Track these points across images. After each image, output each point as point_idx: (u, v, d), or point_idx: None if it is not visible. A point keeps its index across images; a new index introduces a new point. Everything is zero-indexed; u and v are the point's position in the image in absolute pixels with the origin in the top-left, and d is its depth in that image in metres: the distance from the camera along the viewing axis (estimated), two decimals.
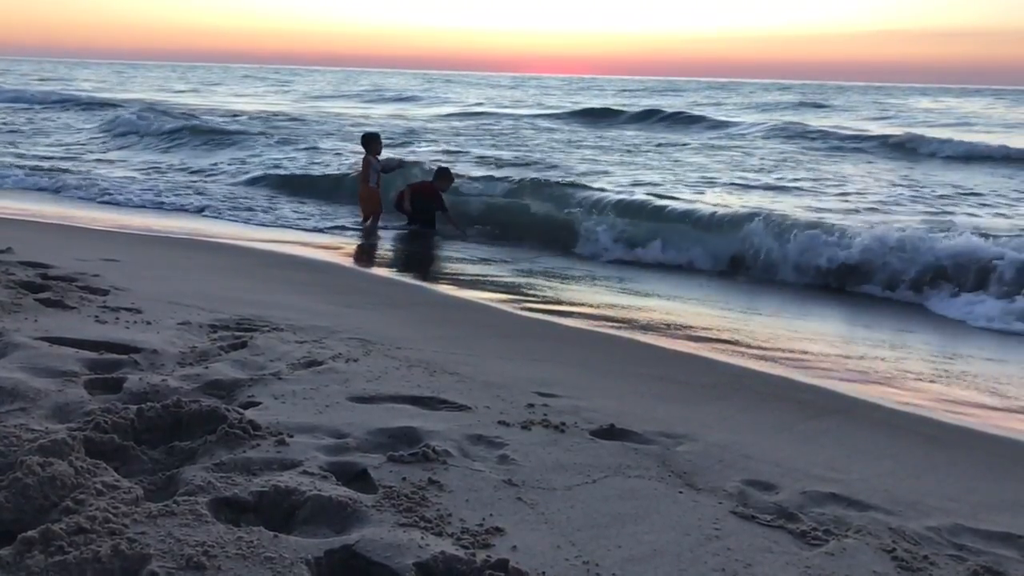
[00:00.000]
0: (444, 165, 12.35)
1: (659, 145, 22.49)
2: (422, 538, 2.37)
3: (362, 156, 11.42)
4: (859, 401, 4.56)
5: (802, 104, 43.38)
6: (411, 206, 10.90)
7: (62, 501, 2.37)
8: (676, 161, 19.02)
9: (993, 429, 4.28)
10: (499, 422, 3.44)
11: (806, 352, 5.74)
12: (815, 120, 31.39)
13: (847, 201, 13.57)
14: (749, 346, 5.80)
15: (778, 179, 16.01)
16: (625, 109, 33.84)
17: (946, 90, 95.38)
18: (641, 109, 33.56)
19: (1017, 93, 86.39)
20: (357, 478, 2.80)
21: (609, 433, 3.47)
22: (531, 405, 3.72)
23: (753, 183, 15.34)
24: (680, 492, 2.93)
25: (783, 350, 5.76)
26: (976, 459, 3.71)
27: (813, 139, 24.14)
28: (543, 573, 2.30)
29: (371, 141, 11.34)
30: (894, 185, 15.78)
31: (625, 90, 68.47)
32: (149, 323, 4.59)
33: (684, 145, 22.71)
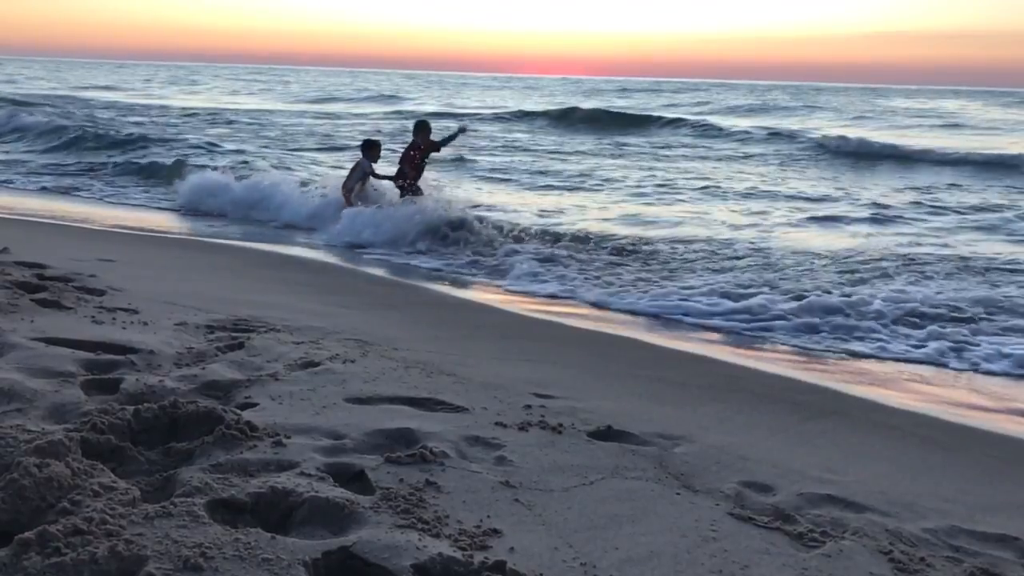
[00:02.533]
0: (421, 119, 12.20)
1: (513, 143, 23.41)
2: (419, 539, 2.37)
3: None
4: (855, 402, 4.57)
5: (769, 105, 42.93)
6: (408, 176, 10.58)
7: (59, 502, 2.37)
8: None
9: (989, 430, 4.29)
10: (496, 423, 3.44)
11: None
12: (766, 121, 31.43)
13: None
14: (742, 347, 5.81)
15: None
16: (548, 109, 33.98)
17: (938, 91, 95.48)
18: (561, 109, 33.40)
19: (1010, 95, 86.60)
20: (354, 479, 2.79)
21: (606, 434, 3.47)
22: (528, 406, 3.72)
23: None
24: (677, 493, 2.94)
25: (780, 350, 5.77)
26: (972, 460, 3.72)
27: (713, 137, 25.36)
28: (540, 575, 2.30)
29: (367, 148, 11.23)
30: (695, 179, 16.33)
31: (612, 90, 68.49)
32: (146, 324, 4.58)
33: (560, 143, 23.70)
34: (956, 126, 31.57)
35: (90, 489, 2.43)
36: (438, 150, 10.80)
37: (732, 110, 39.33)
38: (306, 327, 4.94)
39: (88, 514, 2.27)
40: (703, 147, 23.25)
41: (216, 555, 2.18)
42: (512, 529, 2.54)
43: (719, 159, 20.52)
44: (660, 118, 29.86)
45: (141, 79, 65.33)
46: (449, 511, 2.60)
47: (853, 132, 24.79)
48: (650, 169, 18.04)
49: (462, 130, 10.92)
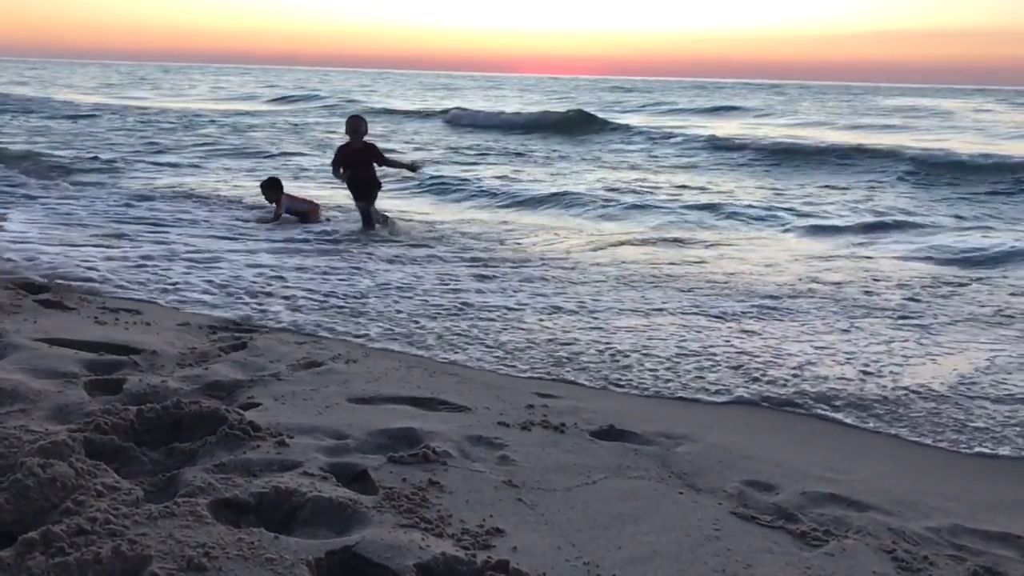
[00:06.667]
0: (353, 113, 10.56)
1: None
2: (422, 539, 2.37)
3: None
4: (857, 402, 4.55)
5: (718, 106, 40.95)
6: (350, 178, 9.09)
7: (62, 502, 2.37)
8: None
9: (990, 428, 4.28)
10: (499, 423, 3.44)
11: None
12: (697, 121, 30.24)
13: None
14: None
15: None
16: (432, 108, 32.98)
17: (926, 90, 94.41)
18: (442, 109, 32.16)
19: (1000, 93, 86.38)
20: (357, 479, 2.80)
21: (609, 434, 3.48)
22: (531, 406, 3.72)
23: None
24: (680, 493, 2.94)
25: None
26: (974, 460, 3.72)
27: (597, 132, 24.35)
28: (543, 574, 2.30)
29: (268, 188, 9.49)
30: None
31: (586, 88, 67.63)
32: (148, 324, 4.59)
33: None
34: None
35: (94, 489, 2.44)
36: (377, 155, 9.18)
37: (659, 111, 37.84)
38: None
39: (92, 514, 2.28)
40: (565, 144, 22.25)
41: (219, 555, 2.18)
42: (515, 528, 2.54)
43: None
44: (555, 113, 28.99)
45: (89, 78, 64.33)
46: (452, 511, 2.60)
47: (779, 133, 24.07)
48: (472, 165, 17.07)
49: (413, 169, 9.47)
